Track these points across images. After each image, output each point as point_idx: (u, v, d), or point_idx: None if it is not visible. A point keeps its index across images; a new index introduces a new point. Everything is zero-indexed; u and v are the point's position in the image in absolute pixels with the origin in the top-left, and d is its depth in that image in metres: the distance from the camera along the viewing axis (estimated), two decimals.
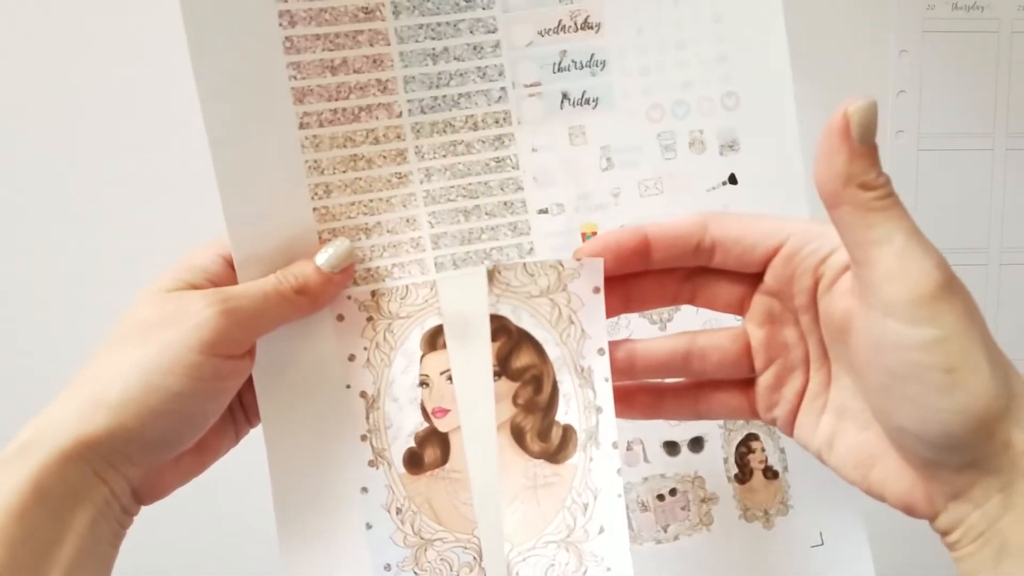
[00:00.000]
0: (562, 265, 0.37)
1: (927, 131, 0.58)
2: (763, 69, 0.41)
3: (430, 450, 0.38)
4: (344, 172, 0.37)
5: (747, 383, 0.37)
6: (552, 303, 0.37)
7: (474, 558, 0.38)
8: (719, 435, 0.42)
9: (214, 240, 0.36)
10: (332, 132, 0.37)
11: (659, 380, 0.38)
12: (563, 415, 0.37)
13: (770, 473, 0.43)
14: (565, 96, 0.39)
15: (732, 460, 0.43)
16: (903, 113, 0.58)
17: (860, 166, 0.28)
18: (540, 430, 0.37)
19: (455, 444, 0.38)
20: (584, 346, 0.37)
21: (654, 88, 0.41)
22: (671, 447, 0.42)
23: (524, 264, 0.37)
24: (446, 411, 0.38)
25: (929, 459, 0.30)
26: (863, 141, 0.28)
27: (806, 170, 0.39)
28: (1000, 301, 0.58)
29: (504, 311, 0.37)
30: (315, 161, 0.36)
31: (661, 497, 0.42)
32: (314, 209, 0.37)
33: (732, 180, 0.42)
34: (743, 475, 0.43)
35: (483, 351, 0.37)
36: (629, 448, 0.42)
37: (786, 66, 0.41)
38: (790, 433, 0.36)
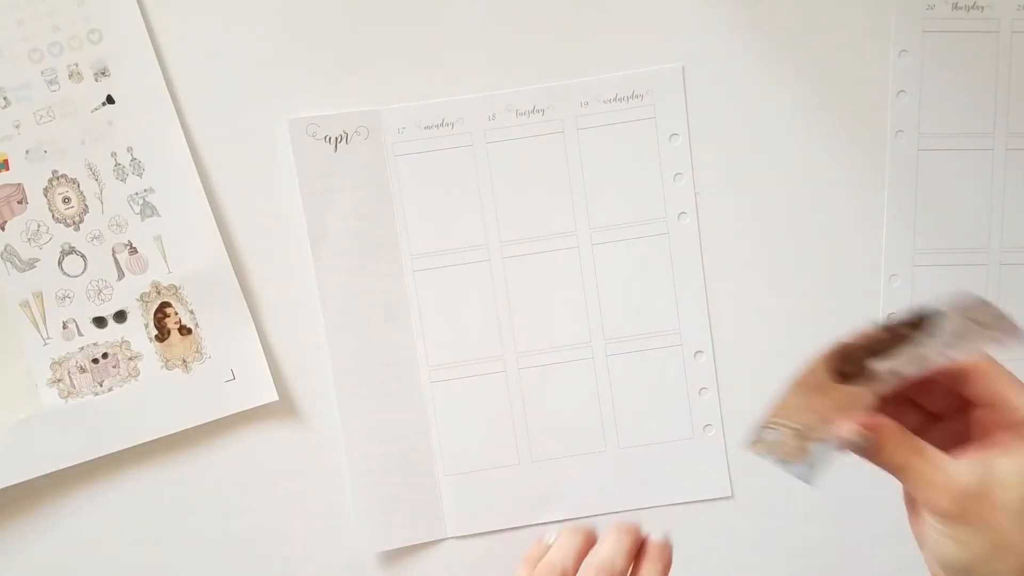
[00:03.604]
0: None
1: (927, 131, 0.58)
2: (117, 3, 0.51)
3: None
4: None
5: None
6: None
7: None
8: (138, 307, 0.54)
9: None
10: None
11: None
12: None
13: (184, 330, 0.54)
14: None
15: (151, 324, 0.54)
16: (903, 113, 0.58)
17: None
18: None
19: None
20: None
21: (31, 35, 0.51)
22: (99, 321, 0.54)
23: None
24: None
25: None
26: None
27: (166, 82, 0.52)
28: (1000, 301, 0.58)
29: None
30: None
31: (96, 361, 0.54)
32: None
33: (110, 100, 0.52)
34: (162, 334, 0.54)
35: None
36: (65, 327, 0.53)
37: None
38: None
